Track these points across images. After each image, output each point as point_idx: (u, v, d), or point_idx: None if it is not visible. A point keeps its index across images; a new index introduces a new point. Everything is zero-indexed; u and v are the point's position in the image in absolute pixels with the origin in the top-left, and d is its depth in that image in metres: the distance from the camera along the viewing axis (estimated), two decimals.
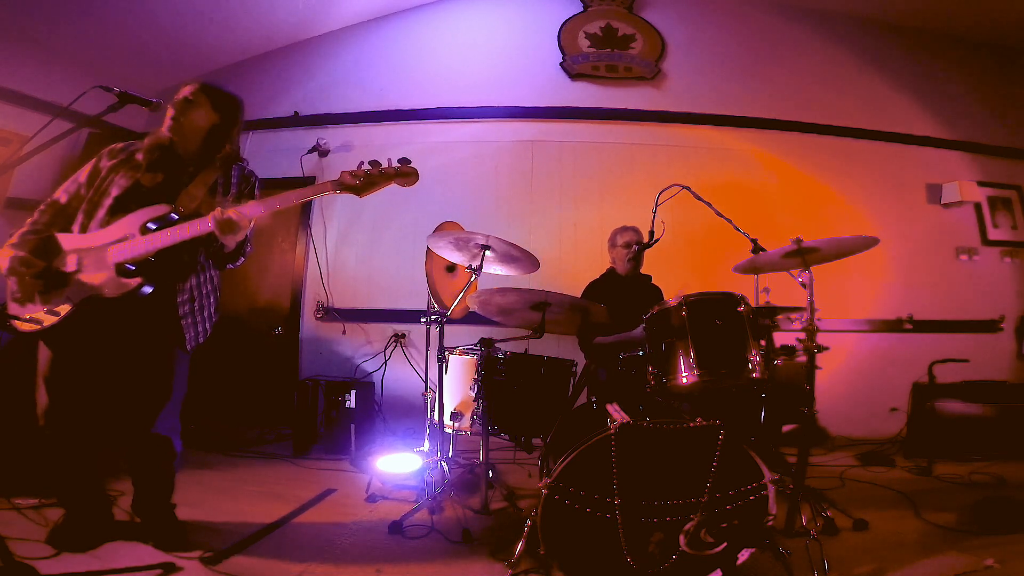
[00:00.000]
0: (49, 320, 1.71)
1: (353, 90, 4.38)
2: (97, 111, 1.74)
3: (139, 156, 1.86)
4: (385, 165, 1.74)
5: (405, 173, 1.76)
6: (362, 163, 1.74)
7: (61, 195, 1.86)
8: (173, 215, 1.76)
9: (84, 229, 1.79)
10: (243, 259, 1.93)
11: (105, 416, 1.84)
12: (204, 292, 1.93)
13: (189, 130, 1.88)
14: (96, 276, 1.72)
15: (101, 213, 1.78)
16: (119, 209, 1.77)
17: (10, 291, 1.73)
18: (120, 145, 1.91)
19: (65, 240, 1.76)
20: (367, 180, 1.72)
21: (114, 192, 1.79)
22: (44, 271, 1.72)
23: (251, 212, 1.70)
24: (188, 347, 1.88)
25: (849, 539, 2.04)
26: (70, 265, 1.73)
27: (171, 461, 1.94)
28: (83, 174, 1.87)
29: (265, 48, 4.51)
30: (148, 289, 1.75)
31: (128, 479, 1.97)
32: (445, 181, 4.14)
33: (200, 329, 1.92)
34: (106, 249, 1.72)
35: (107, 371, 1.81)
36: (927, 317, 4.05)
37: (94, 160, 1.89)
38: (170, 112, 1.85)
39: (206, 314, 1.94)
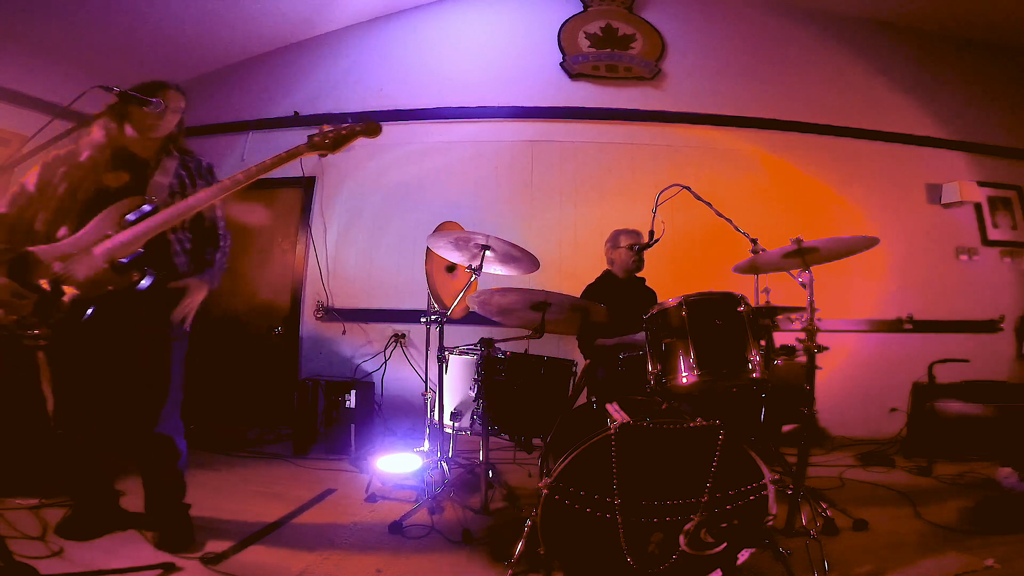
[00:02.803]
0: (53, 331, 1.70)
1: (353, 90, 4.38)
2: (97, 111, 1.74)
3: (83, 156, 1.83)
4: (347, 124, 1.85)
5: (369, 129, 1.87)
6: (324, 126, 1.83)
7: (4, 208, 1.80)
8: (147, 206, 1.76)
9: (51, 238, 1.75)
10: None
11: (110, 413, 1.86)
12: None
13: (162, 134, 1.89)
14: (90, 278, 1.70)
15: (72, 218, 1.75)
16: (89, 211, 1.74)
17: (3, 314, 1.69)
18: (63, 152, 1.88)
19: (42, 252, 1.72)
20: (336, 138, 1.82)
21: (81, 196, 1.77)
22: (36, 296, 1.68)
23: (229, 184, 1.76)
24: (187, 328, 1.93)
25: (849, 539, 2.04)
26: (56, 274, 1.69)
27: (175, 461, 1.94)
28: (31, 183, 1.82)
29: (265, 48, 4.51)
30: (147, 282, 1.75)
31: (129, 480, 1.98)
32: (445, 181, 4.15)
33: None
34: (91, 250, 1.70)
35: (108, 368, 1.82)
36: (927, 317, 4.05)
37: (38, 169, 1.84)
38: (153, 116, 1.83)
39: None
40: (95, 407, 1.85)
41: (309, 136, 1.83)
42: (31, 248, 1.73)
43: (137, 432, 1.87)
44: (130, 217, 1.73)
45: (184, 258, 1.93)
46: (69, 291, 1.70)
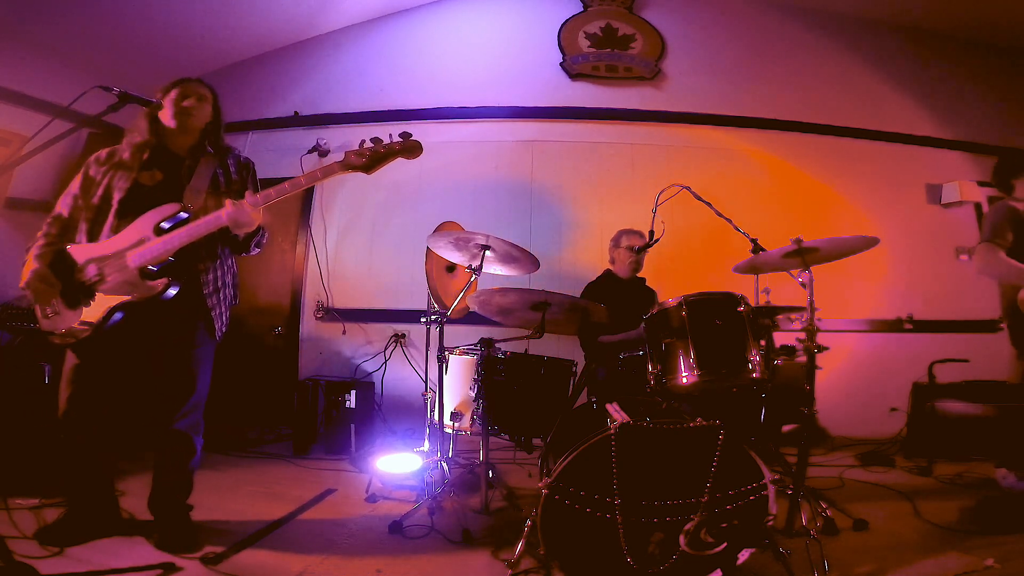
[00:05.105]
0: (83, 332, 1.73)
1: (353, 90, 4.38)
2: (97, 111, 1.75)
3: (125, 156, 1.86)
4: (387, 141, 1.79)
5: (409, 147, 1.81)
6: (364, 141, 1.78)
7: (63, 209, 1.87)
8: (183, 213, 1.76)
9: (93, 237, 1.79)
10: (258, 249, 1.97)
11: (127, 414, 1.86)
12: (225, 282, 1.97)
13: (193, 126, 1.90)
14: (120, 283, 1.72)
15: (110, 219, 1.78)
16: (126, 212, 1.77)
17: (38, 309, 1.76)
18: (104, 153, 1.91)
19: (79, 251, 1.76)
20: (373, 157, 1.77)
21: (117, 196, 1.80)
22: (65, 286, 1.73)
23: (261, 200, 1.75)
24: (217, 336, 1.95)
25: (849, 539, 2.03)
26: (90, 276, 1.74)
27: (189, 459, 1.95)
28: (75, 186, 1.87)
29: (265, 48, 4.51)
30: (173, 291, 1.76)
31: (129, 480, 1.98)
32: (445, 181, 4.14)
33: (225, 319, 1.99)
34: (124, 255, 1.72)
35: (134, 371, 1.85)
36: (927, 317, 4.05)
37: (82, 171, 1.89)
38: (173, 109, 1.85)
39: (227, 304, 2.00)
40: (106, 408, 1.86)
41: (345, 153, 1.78)
42: (69, 247, 1.78)
43: (158, 428, 1.89)
44: (165, 225, 1.74)
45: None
46: (100, 297, 1.72)
